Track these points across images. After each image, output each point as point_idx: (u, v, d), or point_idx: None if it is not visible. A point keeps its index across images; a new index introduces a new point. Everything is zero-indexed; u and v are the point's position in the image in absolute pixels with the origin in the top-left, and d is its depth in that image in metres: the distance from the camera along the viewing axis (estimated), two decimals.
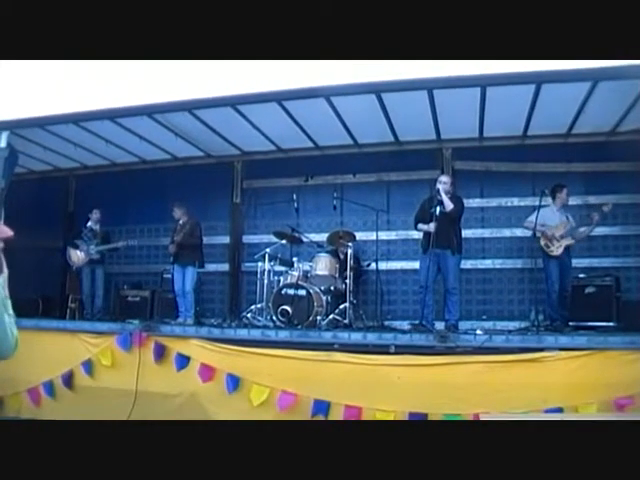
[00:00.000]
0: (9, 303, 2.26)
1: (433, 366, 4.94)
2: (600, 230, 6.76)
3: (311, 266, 6.91)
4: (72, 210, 9.38)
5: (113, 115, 6.68)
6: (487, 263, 7.63)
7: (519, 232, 7.14)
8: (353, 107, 6.46)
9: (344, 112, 6.71)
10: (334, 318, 6.57)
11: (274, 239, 7.32)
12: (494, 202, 7.66)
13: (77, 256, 7.85)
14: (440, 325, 6.05)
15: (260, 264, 7.20)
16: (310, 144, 7.88)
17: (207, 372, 5.50)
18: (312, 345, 5.38)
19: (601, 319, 6.05)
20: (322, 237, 7.64)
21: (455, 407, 4.70)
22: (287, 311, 6.30)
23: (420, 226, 6.39)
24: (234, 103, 6.40)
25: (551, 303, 6.44)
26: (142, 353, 5.79)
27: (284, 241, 7.24)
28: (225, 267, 8.57)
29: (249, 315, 6.89)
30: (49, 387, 6.11)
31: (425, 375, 4.91)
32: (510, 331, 6.29)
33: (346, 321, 6.52)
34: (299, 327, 6.14)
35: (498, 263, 7.60)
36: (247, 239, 8.60)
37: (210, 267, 8.19)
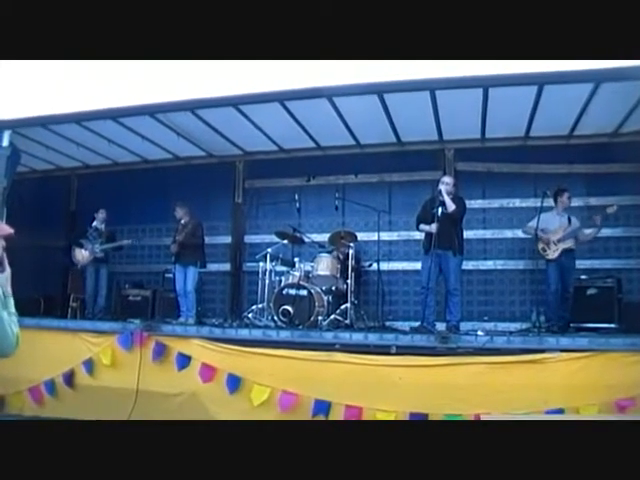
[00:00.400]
0: (11, 302, 2.26)
1: (434, 367, 4.94)
2: (602, 232, 6.73)
3: (312, 266, 6.91)
4: (74, 209, 9.41)
5: (115, 115, 6.70)
6: (489, 264, 7.62)
7: (521, 233, 7.12)
8: (355, 107, 6.47)
9: (346, 112, 6.72)
10: (335, 318, 6.58)
11: (276, 239, 7.32)
12: (496, 203, 7.66)
13: (82, 254, 7.86)
14: (441, 326, 6.05)
15: (261, 264, 7.20)
16: (312, 144, 7.88)
17: (208, 372, 5.51)
18: (313, 345, 5.39)
19: (603, 321, 6.05)
20: (324, 237, 7.63)
21: (456, 408, 4.70)
22: (288, 311, 6.31)
23: (422, 227, 6.38)
24: (236, 103, 6.41)
25: (549, 304, 6.46)
26: (143, 352, 5.80)
27: (286, 241, 7.25)
28: (227, 267, 8.58)
29: (250, 315, 6.90)
30: (50, 386, 6.12)
31: (426, 376, 4.91)
32: (511, 332, 6.29)
33: (347, 321, 6.52)
34: (300, 327, 6.14)
35: (500, 264, 7.60)
36: (249, 239, 8.60)
37: (212, 267, 8.20)
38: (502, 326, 7.14)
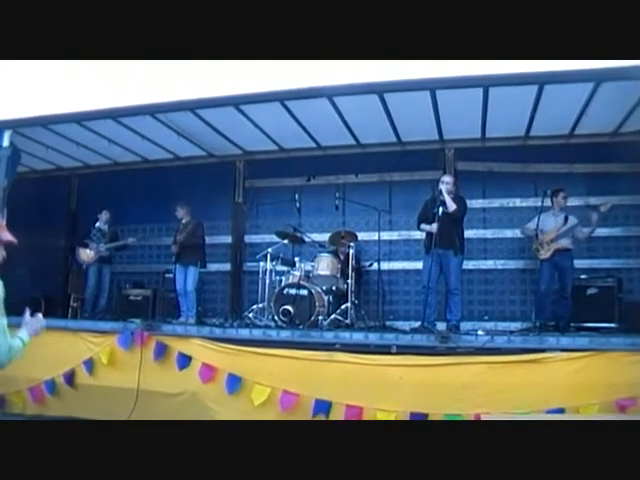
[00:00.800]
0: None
1: (435, 366, 4.94)
2: (601, 231, 6.75)
3: (313, 266, 6.90)
4: (75, 209, 9.41)
5: (115, 114, 6.69)
6: (489, 264, 7.62)
7: (521, 233, 7.13)
8: (355, 107, 6.47)
9: (346, 112, 6.71)
10: (336, 318, 6.57)
11: (276, 239, 7.32)
12: (496, 203, 7.66)
13: (86, 254, 7.86)
14: (442, 325, 6.05)
15: (262, 264, 7.21)
16: (312, 144, 7.87)
17: (208, 372, 5.51)
18: (314, 345, 5.38)
19: (603, 320, 6.05)
20: (324, 237, 7.63)
21: (456, 407, 4.70)
22: (289, 311, 6.31)
23: (423, 226, 6.39)
24: (237, 103, 6.41)
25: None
26: (144, 352, 5.79)
27: (286, 241, 7.24)
28: (227, 267, 8.57)
29: (251, 315, 6.89)
30: (51, 385, 6.12)
31: (426, 375, 4.91)
32: (512, 332, 6.29)
33: (348, 321, 6.53)
34: (301, 327, 6.14)
35: (500, 264, 7.60)
36: (249, 239, 8.60)
37: (212, 267, 8.21)
38: (502, 326, 7.15)
